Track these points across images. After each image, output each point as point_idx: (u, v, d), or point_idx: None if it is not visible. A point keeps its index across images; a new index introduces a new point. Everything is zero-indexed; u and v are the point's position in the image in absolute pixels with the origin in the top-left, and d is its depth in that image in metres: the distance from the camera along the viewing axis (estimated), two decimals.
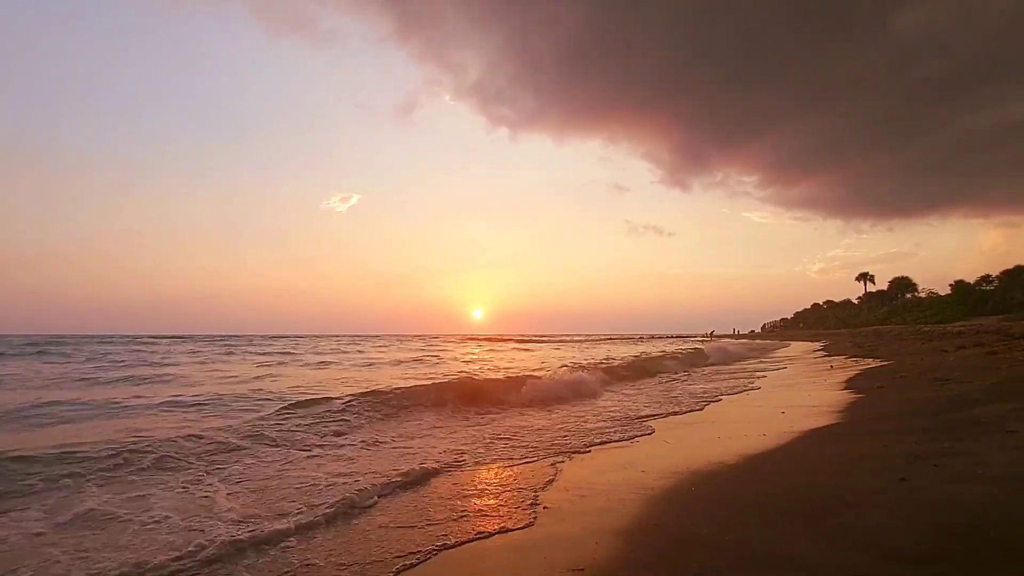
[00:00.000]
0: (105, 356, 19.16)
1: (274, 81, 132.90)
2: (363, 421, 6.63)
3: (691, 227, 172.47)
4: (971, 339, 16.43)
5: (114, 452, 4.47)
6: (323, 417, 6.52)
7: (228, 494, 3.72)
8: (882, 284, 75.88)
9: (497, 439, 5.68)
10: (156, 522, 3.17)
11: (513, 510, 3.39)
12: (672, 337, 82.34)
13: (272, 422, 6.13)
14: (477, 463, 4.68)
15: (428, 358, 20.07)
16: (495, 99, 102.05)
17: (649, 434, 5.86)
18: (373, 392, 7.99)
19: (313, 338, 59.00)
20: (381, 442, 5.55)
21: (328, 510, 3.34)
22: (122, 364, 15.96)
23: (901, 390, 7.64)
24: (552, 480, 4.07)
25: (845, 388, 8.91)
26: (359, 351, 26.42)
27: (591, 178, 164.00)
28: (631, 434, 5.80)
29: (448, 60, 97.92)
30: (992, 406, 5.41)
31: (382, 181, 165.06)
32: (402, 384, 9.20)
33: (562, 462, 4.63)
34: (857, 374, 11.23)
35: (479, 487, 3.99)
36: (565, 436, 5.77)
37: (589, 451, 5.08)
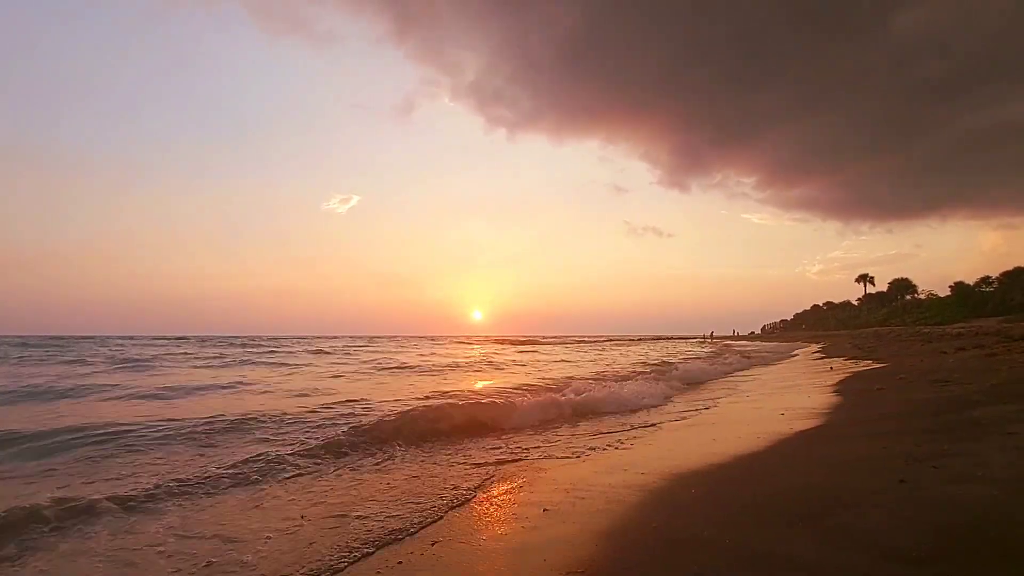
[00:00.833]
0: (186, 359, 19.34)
1: (273, 82, 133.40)
2: None
3: (690, 228, 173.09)
4: (971, 341, 16.42)
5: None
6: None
7: None
8: (882, 286, 76.03)
9: None
10: None
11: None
12: (672, 338, 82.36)
13: None
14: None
15: (474, 362, 19.73)
16: (493, 99, 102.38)
17: (651, 431, 5.86)
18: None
19: (321, 339, 58.68)
20: None
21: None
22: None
23: (901, 391, 7.64)
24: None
25: (844, 389, 8.91)
26: (393, 352, 27.03)
27: (590, 179, 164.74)
28: (632, 436, 5.79)
29: (445, 60, 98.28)
30: (992, 407, 5.41)
31: (381, 182, 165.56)
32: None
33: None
34: (856, 375, 11.22)
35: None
36: None
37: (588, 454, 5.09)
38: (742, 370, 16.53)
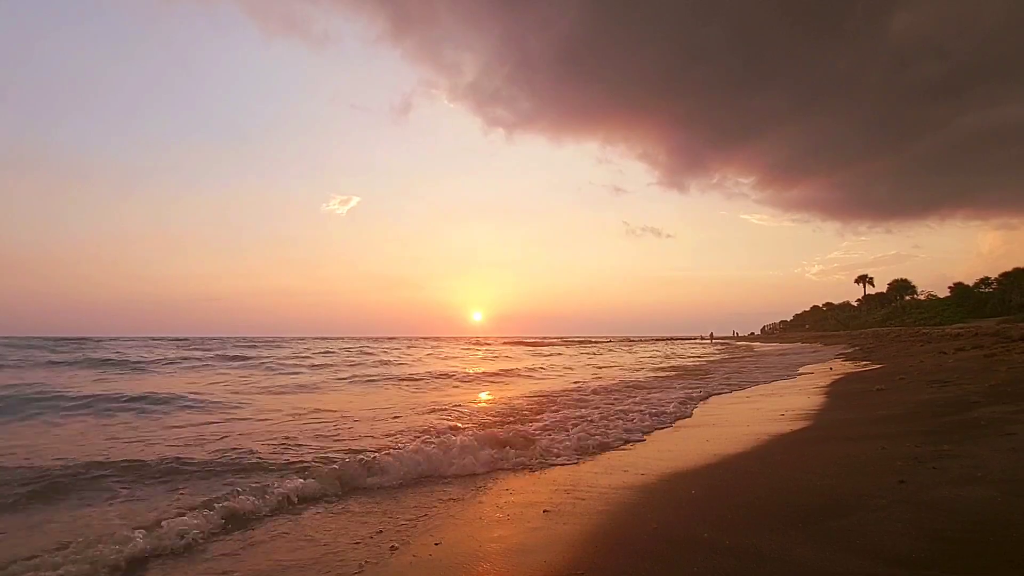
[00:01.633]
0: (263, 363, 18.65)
1: (270, 83, 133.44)
2: None
3: (689, 229, 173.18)
4: (970, 341, 16.45)
5: None
6: None
7: None
8: (881, 286, 75.99)
9: None
10: None
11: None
12: (671, 339, 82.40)
13: None
14: None
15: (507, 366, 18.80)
16: (491, 100, 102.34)
17: (656, 433, 5.86)
18: None
19: (326, 340, 58.24)
20: None
21: None
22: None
23: (900, 392, 7.65)
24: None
25: (844, 390, 8.92)
26: (429, 354, 26.39)
27: (588, 179, 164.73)
28: (633, 438, 5.79)
29: (443, 61, 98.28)
30: (991, 408, 5.42)
31: (381, 183, 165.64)
32: None
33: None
34: (857, 376, 11.23)
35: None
36: None
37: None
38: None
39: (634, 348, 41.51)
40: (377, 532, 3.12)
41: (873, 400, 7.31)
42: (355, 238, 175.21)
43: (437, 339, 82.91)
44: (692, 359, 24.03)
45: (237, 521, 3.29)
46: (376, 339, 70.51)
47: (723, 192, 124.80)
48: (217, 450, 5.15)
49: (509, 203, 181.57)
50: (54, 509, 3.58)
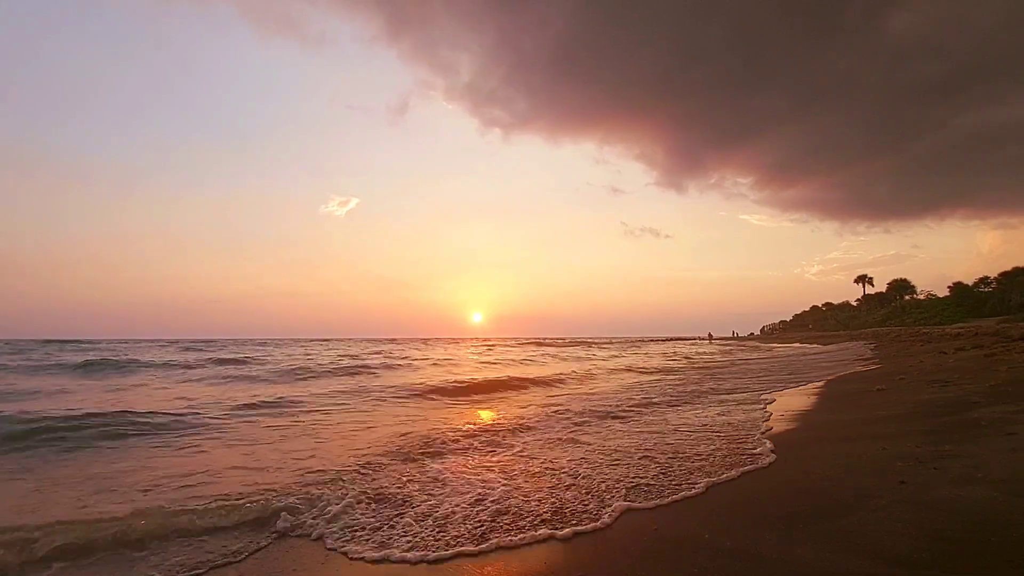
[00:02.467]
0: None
1: (268, 84, 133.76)
2: None
3: (688, 229, 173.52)
4: (969, 341, 16.46)
5: None
6: None
7: None
8: (880, 286, 76.05)
9: None
10: None
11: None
12: (670, 339, 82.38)
13: None
14: None
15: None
16: (487, 101, 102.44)
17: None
18: None
19: (325, 342, 57.40)
20: None
21: None
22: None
23: (900, 392, 7.64)
24: None
25: (844, 390, 8.91)
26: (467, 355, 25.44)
27: (586, 180, 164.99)
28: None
29: (439, 61, 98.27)
30: (991, 408, 5.42)
31: (379, 185, 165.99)
32: None
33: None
34: (857, 376, 11.23)
35: None
36: None
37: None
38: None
39: (648, 350, 38.93)
40: None
41: (873, 400, 7.31)
42: (354, 239, 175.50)
43: (435, 341, 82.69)
44: (706, 356, 23.90)
45: None
46: (374, 340, 70.43)
47: (721, 192, 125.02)
48: None
49: (507, 204, 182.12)
50: None
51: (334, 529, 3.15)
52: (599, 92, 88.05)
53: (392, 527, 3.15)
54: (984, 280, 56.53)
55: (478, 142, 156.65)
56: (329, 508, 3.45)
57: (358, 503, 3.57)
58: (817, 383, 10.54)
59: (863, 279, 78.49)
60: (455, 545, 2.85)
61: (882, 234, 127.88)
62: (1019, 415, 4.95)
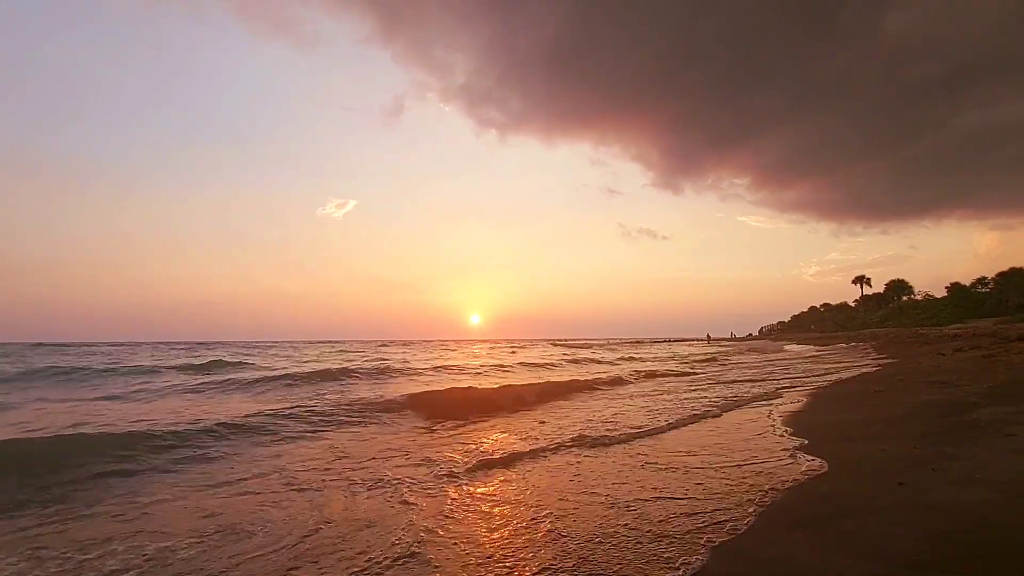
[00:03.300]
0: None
1: (263, 86, 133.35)
2: None
3: (685, 231, 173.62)
4: (968, 342, 16.51)
5: None
6: None
7: None
8: (878, 287, 76.22)
9: None
10: None
11: None
12: (668, 341, 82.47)
13: None
14: None
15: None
16: (482, 101, 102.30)
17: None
18: None
19: (324, 344, 56.99)
20: None
21: None
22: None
23: (899, 393, 7.66)
24: None
25: (844, 391, 8.93)
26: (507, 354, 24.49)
27: (582, 181, 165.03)
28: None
29: (434, 62, 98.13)
30: (990, 409, 5.43)
31: (376, 186, 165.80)
32: None
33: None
34: (857, 377, 11.24)
35: None
36: None
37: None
38: None
39: (649, 350, 37.53)
40: None
41: (872, 401, 7.32)
42: (352, 241, 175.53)
43: (437, 342, 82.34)
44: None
45: None
46: (372, 343, 70.17)
47: (718, 193, 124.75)
48: None
49: (504, 205, 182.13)
50: None
51: None
52: (594, 92, 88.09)
53: None
54: (982, 281, 56.72)
55: (474, 143, 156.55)
56: None
57: None
58: (819, 384, 10.55)
59: (861, 280, 78.70)
60: None
61: (880, 235, 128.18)
62: (1018, 416, 4.96)
